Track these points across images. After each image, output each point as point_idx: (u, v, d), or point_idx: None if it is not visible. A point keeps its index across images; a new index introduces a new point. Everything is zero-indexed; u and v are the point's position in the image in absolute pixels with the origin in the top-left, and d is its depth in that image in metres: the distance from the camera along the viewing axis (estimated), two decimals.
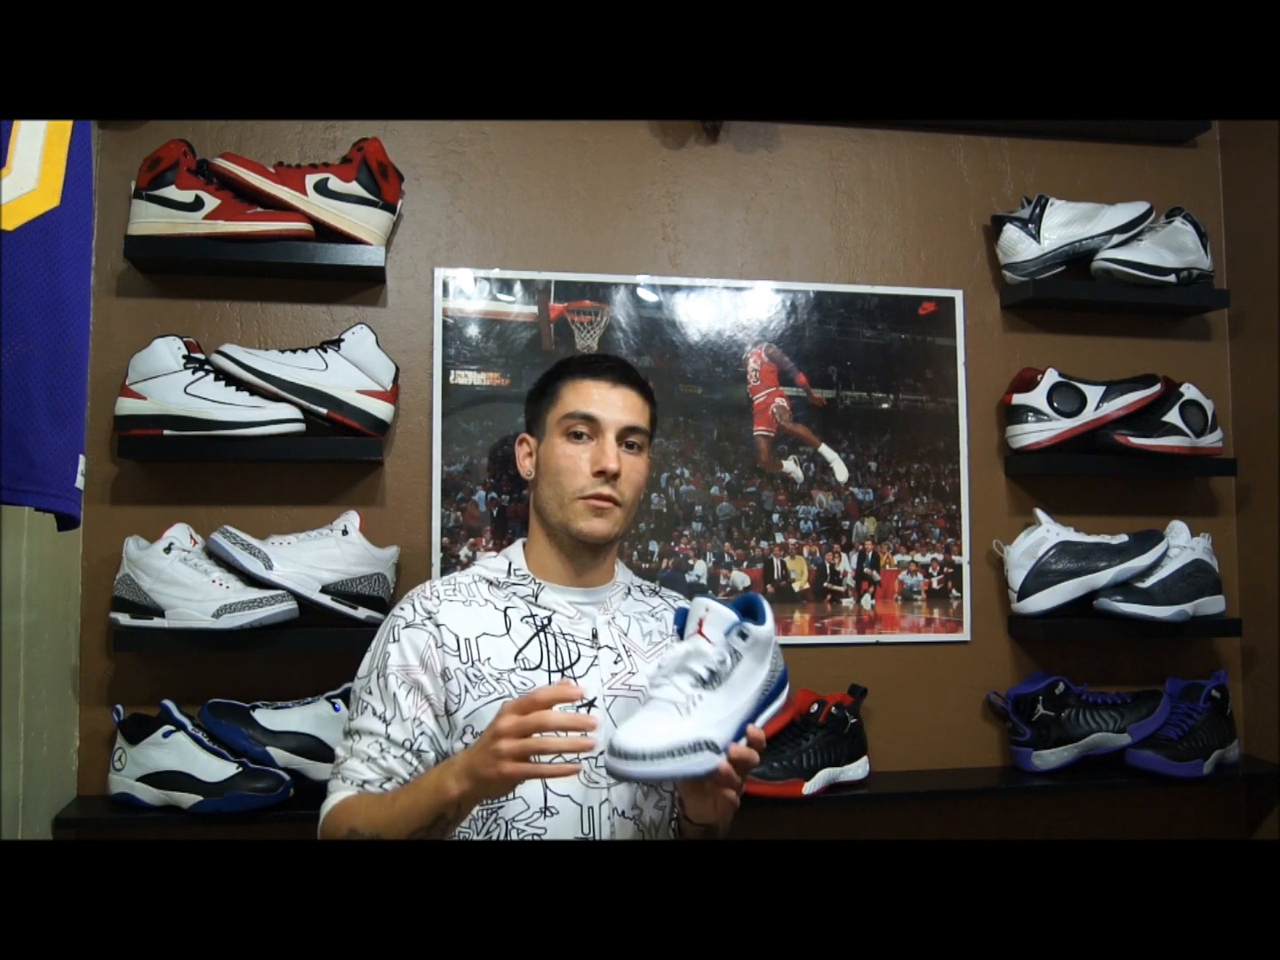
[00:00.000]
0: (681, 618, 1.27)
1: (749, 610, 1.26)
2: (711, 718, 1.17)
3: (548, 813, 1.30)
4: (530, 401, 1.53)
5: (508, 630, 1.37)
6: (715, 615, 1.22)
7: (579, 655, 1.37)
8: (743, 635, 1.21)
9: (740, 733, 1.20)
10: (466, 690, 1.32)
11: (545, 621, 1.39)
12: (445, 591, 1.40)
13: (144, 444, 1.68)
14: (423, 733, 1.32)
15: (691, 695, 1.18)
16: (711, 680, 1.19)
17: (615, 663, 1.38)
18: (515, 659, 1.35)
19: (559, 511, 1.40)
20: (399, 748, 1.31)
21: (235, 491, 1.78)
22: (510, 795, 1.29)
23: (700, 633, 1.22)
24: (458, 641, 1.35)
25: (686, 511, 1.91)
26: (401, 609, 1.39)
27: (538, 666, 1.35)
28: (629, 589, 1.48)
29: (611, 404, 1.42)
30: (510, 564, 1.45)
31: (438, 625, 1.35)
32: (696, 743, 1.14)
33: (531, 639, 1.37)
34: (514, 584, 1.42)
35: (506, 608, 1.40)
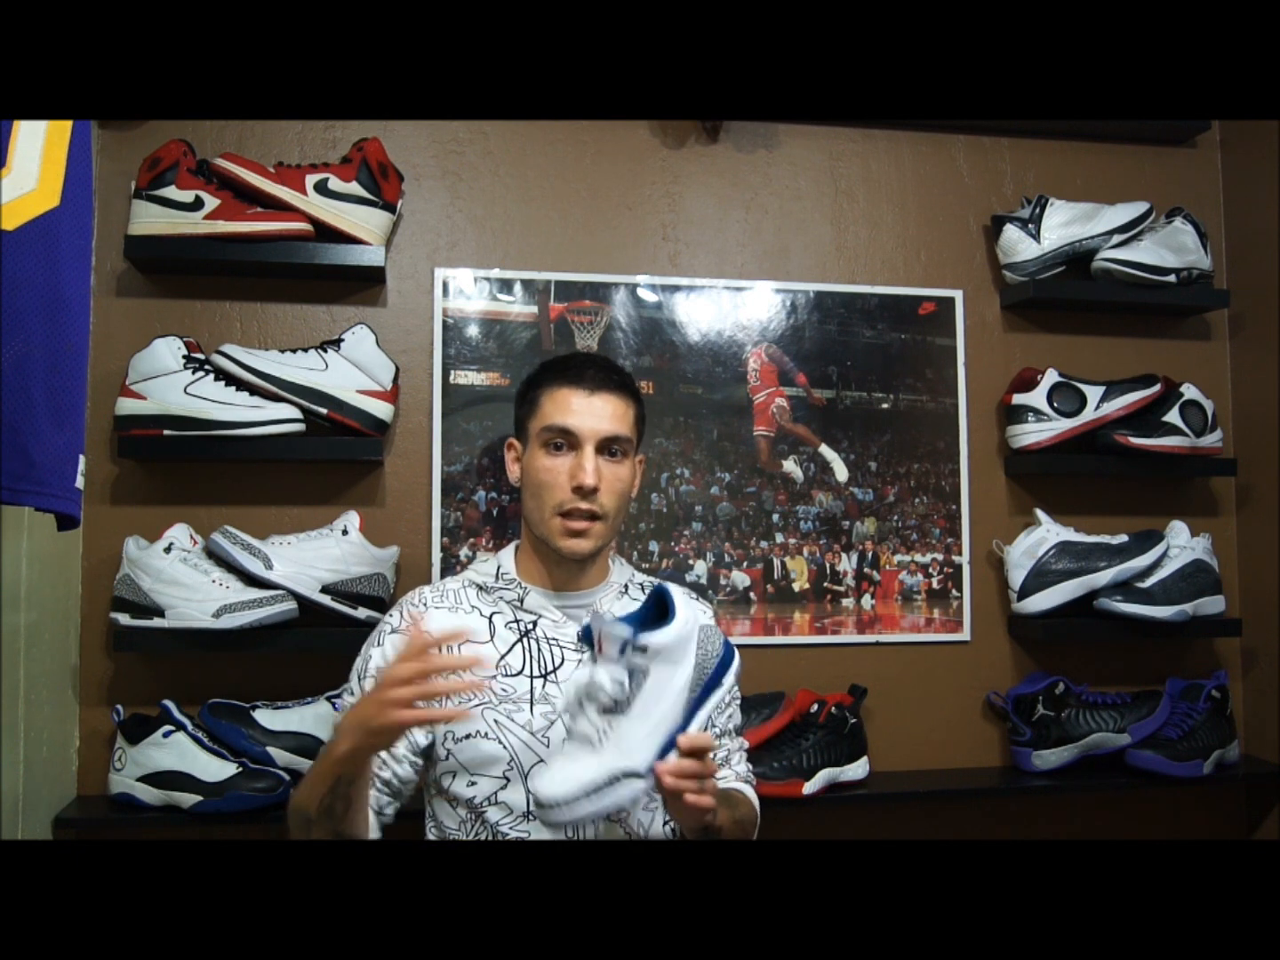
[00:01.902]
0: (588, 635, 1.17)
1: (660, 606, 1.17)
2: (625, 744, 1.10)
3: (530, 817, 1.30)
4: (515, 406, 1.51)
5: (491, 637, 1.38)
6: (609, 633, 1.13)
7: (563, 659, 1.37)
8: (642, 649, 1.12)
9: (671, 744, 1.13)
10: (447, 696, 1.33)
11: (530, 626, 1.39)
12: (433, 599, 1.41)
13: (144, 444, 1.68)
14: None
15: (600, 726, 1.11)
16: (618, 705, 1.12)
17: None
18: (497, 665, 1.35)
19: (540, 525, 1.39)
20: None
21: (235, 491, 1.78)
22: (492, 800, 1.30)
23: (601, 652, 1.14)
24: (439, 650, 1.35)
25: (686, 511, 1.91)
26: (390, 616, 1.42)
27: (520, 672, 1.36)
28: (625, 587, 1.47)
29: (590, 413, 1.38)
30: (499, 568, 1.44)
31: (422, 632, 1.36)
32: (612, 775, 1.09)
33: (515, 645, 1.37)
34: (501, 589, 1.42)
35: (492, 614, 1.40)
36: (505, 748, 1.31)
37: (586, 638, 1.18)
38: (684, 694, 1.15)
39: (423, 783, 1.40)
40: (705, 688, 1.17)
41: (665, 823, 1.38)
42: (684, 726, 1.15)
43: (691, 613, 1.18)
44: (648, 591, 1.48)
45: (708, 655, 1.18)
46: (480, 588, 1.43)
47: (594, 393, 1.40)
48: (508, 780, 1.31)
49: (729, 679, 1.20)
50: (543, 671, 1.36)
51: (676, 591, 1.19)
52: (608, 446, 1.39)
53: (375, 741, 1.14)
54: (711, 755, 1.40)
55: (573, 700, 1.16)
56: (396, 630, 1.39)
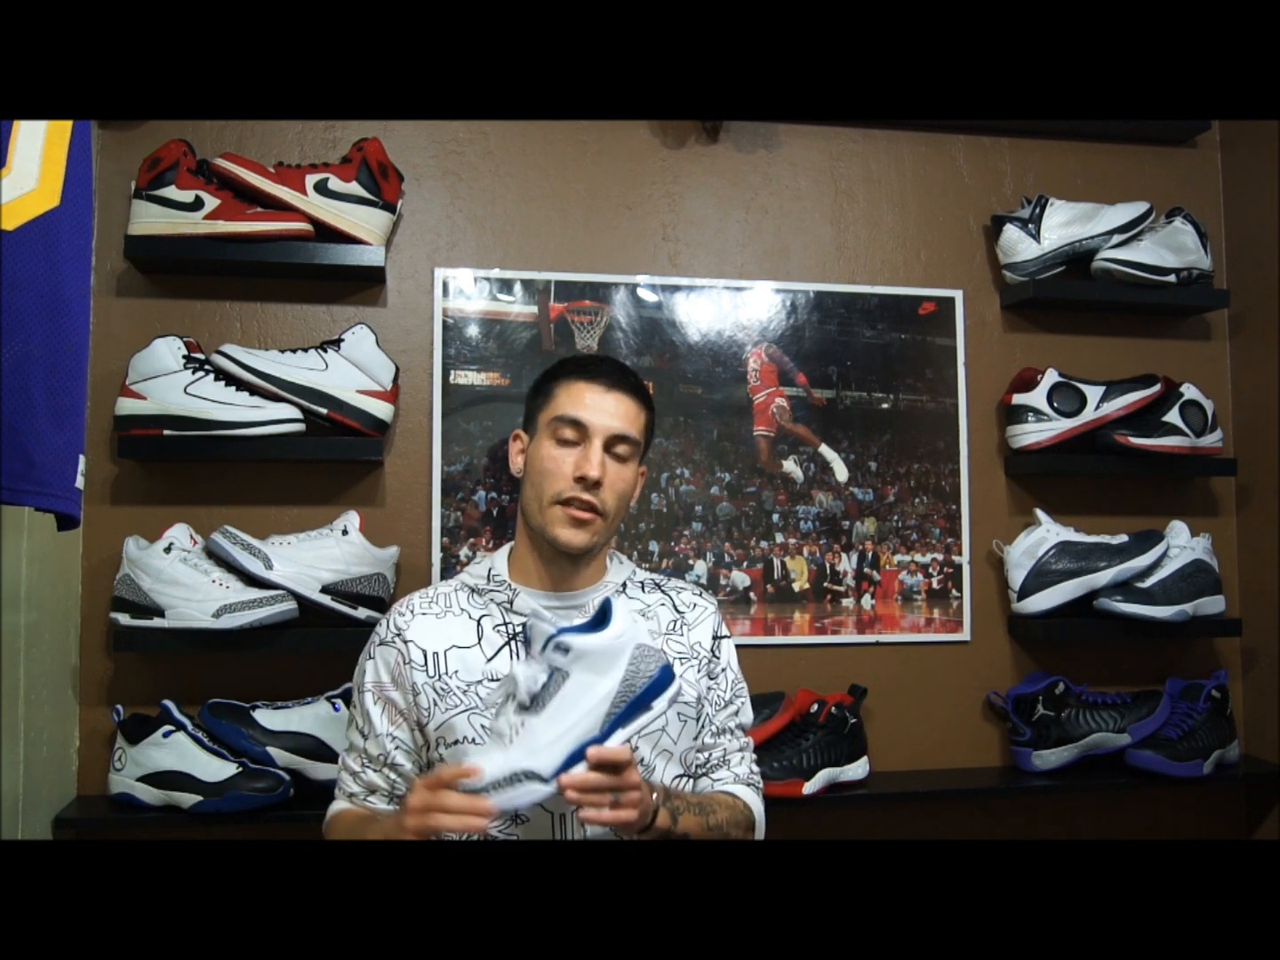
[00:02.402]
0: (526, 634, 1.17)
1: (603, 617, 1.15)
2: (532, 744, 1.08)
3: (519, 820, 1.29)
4: (528, 398, 1.50)
5: (479, 640, 1.36)
6: (534, 629, 1.12)
7: None
8: (563, 649, 1.10)
9: (581, 754, 1.09)
10: (435, 704, 1.33)
11: (519, 629, 1.37)
12: (420, 605, 1.40)
13: (144, 444, 1.68)
14: (397, 747, 1.35)
15: (514, 723, 1.10)
16: (532, 704, 1.10)
17: None
18: (484, 669, 1.34)
19: (538, 515, 1.37)
20: (375, 762, 1.36)
21: (235, 491, 1.78)
22: None
23: (529, 650, 1.13)
24: (425, 656, 1.35)
25: (686, 511, 1.91)
26: (379, 627, 1.42)
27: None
28: (623, 586, 1.45)
29: (602, 409, 1.38)
30: (490, 569, 1.43)
31: (405, 642, 1.36)
32: (513, 774, 1.07)
33: (502, 648, 1.36)
34: (492, 590, 1.41)
35: (481, 616, 1.38)
36: None
37: (525, 637, 1.17)
38: (604, 706, 1.12)
39: None
40: (630, 706, 1.13)
41: None
42: (600, 740, 1.12)
43: (630, 629, 1.15)
44: (648, 590, 1.48)
45: (638, 674, 1.14)
46: (472, 590, 1.42)
47: (609, 390, 1.40)
48: None
49: (660, 704, 1.16)
50: None
51: (621, 608, 1.16)
52: (614, 445, 1.38)
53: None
54: (689, 781, 1.39)
55: (496, 695, 1.15)
56: (385, 642, 1.38)
